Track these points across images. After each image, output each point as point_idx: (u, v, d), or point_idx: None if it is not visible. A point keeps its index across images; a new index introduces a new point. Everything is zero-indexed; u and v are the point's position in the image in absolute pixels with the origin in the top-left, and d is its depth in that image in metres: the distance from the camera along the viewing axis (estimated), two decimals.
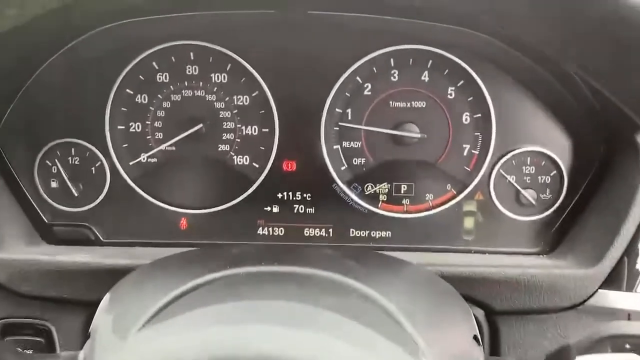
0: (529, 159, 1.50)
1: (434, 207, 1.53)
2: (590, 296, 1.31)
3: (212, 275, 0.93)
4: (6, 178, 1.50)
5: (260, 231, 1.55)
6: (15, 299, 1.36)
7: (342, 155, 1.53)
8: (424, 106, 1.49)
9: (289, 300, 0.85)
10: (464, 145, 1.51)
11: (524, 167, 1.50)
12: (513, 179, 1.50)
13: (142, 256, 1.39)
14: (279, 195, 1.54)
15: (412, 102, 1.49)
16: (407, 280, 1.06)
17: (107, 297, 1.00)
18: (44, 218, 1.54)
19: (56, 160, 1.52)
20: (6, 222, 1.46)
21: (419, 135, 1.48)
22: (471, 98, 1.48)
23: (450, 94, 1.49)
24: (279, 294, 0.88)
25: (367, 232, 1.55)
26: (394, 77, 1.49)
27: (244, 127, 1.52)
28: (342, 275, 0.92)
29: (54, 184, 1.54)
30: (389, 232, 1.55)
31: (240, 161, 1.54)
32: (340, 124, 1.51)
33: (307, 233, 1.55)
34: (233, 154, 1.53)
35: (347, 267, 1.00)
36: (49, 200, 1.54)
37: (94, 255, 1.39)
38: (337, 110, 1.51)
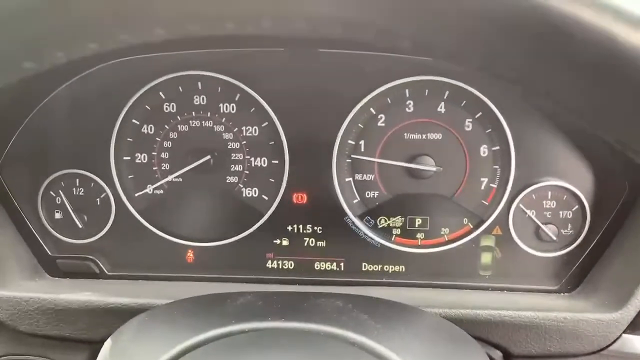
0: (550, 193, 1.43)
1: (449, 242, 1.48)
2: (614, 341, 1.25)
3: (215, 331, 0.90)
4: (8, 209, 1.46)
5: (269, 265, 1.51)
6: (15, 336, 1.33)
7: (354, 188, 1.48)
8: (440, 138, 1.44)
9: None
10: (482, 179, 1.45)
11: (544, 202, 1.44)
12: (533, 213, 1.44)
13: (146, 292, 1.36)
14: (289, 228, 1.49)
15: (428, 134, 1.44)
16: (420, 333, 1.01)
17: (107, 346, 0.96)
18: (47, 250, 1.50)
19: (60, 191, 1.48)
20: (8, 254, 1.43)
21: (434, 169, 1.43)
22: (489, 130, 1.42)
23: (468, 126, 1.43)
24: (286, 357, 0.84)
25: (379, 266, 1.50)
26: (409, 108, 1.43)
27: (253, 159, 1.47)
28: (354, 333, 0.89)
29: (57, 215, 1.50)
30: (403, 267, 1.49)
31: (249, 193, 1.49)
32: (352, 156, 1.46)
33: (317, 267, 1.51)
34: (242, 185, 1.49)
35: (357, 321, 0.95)
36: (53, 232, 1.50)
37: (97, 292, 1.35)
38: (349, 141, 1.45)
